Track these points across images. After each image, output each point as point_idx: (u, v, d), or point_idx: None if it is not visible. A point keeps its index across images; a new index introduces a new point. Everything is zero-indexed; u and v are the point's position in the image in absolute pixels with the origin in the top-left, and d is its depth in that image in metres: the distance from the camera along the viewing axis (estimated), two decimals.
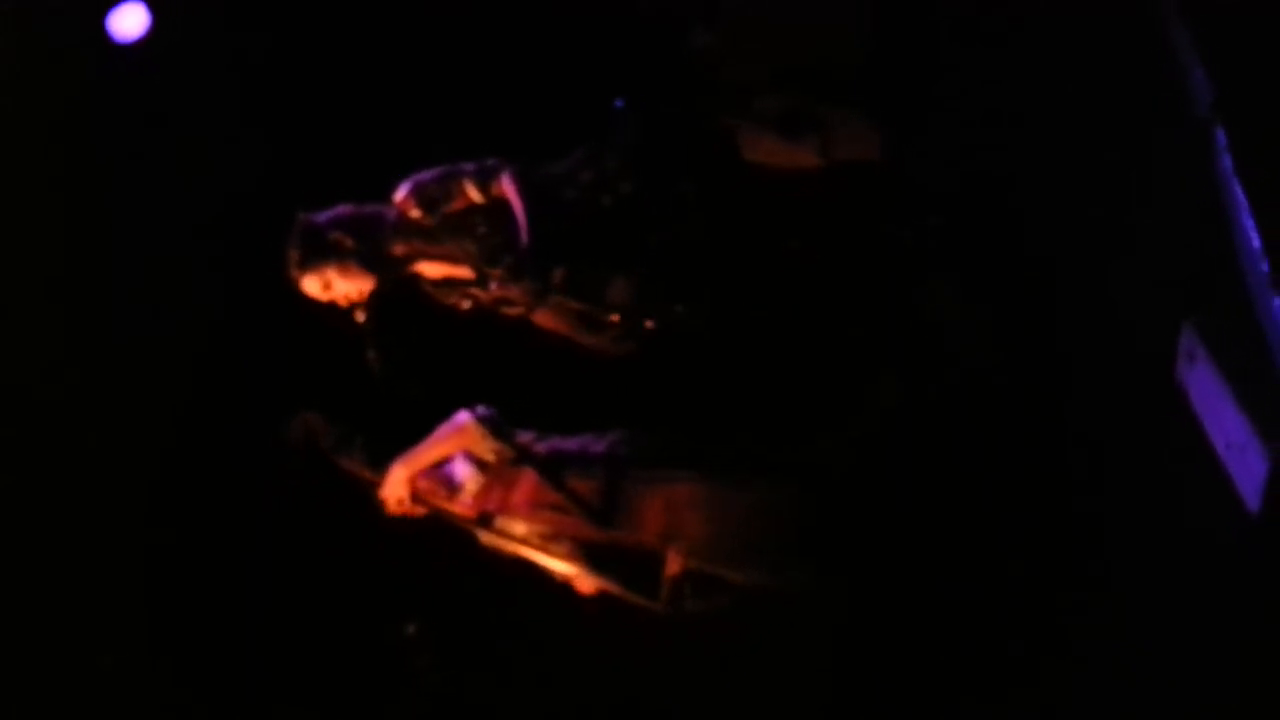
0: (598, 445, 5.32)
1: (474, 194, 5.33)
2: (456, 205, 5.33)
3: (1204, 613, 4.71)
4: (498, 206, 5.33)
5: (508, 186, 5.31)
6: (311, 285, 5.26)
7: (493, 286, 5.32)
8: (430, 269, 5.39)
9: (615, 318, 5.29)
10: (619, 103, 5.68)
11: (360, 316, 5.24)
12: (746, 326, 5.40)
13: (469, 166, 5.37)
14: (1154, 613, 4.84)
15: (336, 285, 5.25)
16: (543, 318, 5.41)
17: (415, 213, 5.32)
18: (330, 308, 5.30)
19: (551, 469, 5.25)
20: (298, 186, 5.61)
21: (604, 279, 5.33)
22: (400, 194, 5.36)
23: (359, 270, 5.26)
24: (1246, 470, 4.66)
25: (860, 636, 5.17)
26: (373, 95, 6.05)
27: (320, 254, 5.23)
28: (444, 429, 5.30)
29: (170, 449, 5.90)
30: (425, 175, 5.37)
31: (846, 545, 5.18)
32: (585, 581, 5.30)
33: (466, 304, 5.40)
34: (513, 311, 5.39)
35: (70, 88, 6.00)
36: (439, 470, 5.32)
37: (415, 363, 5.37)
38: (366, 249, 5.27)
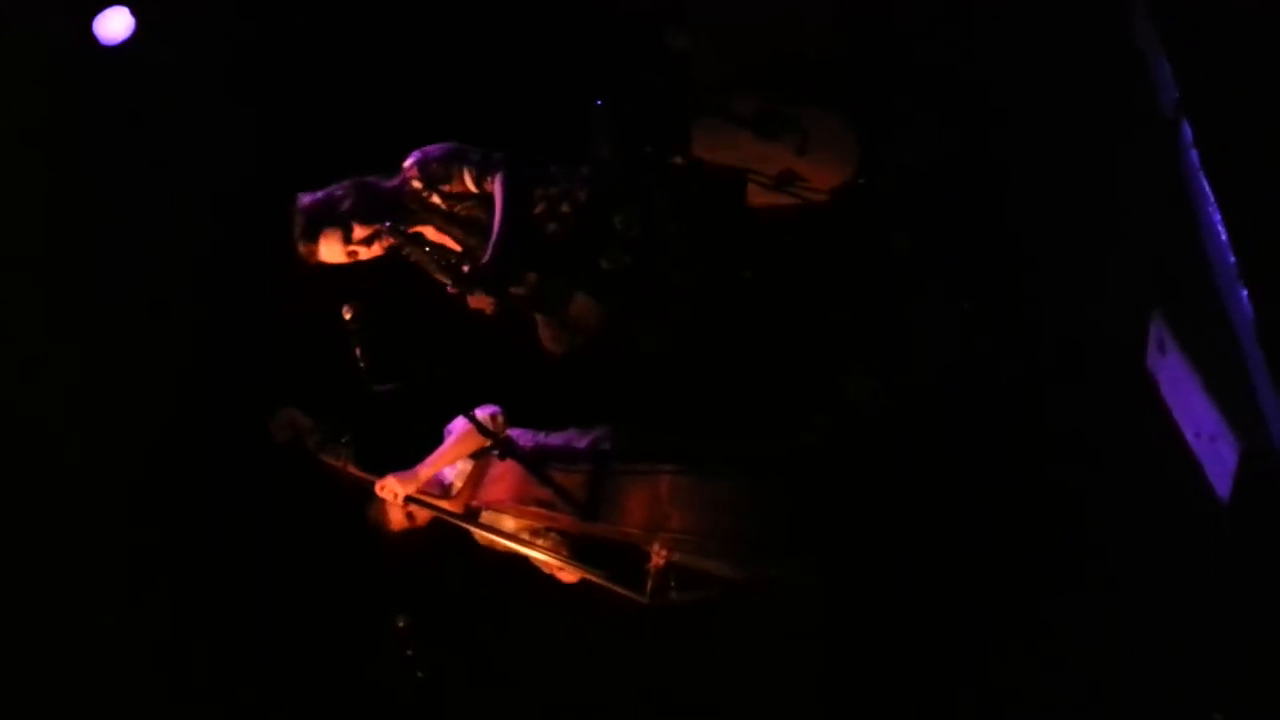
0: (582, 440, 5.41)
1: (470, 183, 5.35)
2: (454, 188, 5.36)
3: (1174, 601, 4.76)
4: (487, 202, 5.36)
5: (498, 190, 5.32)
6: (331, 248, 5.26)
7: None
8: (428, 231, 5.40)
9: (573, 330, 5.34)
10: (599, 101, 5.73)
11: (347, 315, 5.25)
12: (723, 334, 5.46)
13: (475, 154, 5.35)
14: (1124, 600, 4.90)
15: (358, 231, 5.24)
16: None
17: (417, 184, 5.35)
18: (323, 295, 5.31)
19: (537, 463, 5.33)
20: (283, 185, 5.63)
21: (569, 294, 5.39)
22: (408, 162, 5.37)
23: (373, 222, 5.25)
24: (1217, 459, 4.68)
25: (842, 629, 5.24)
26: (356, 93, 6.08)
27: (329, 218, 5.24)
28: (450, 440, 5.42)
29: (156, 445, 5.99)
30: (434, 150, 5.37)
31: (827, 539, 5.25)
32: (570, 574, 5.39)
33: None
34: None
35: (56, 89, 6.00)
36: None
37: (401, 361, 5.40)
38: (372, 203, 5.26)
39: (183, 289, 6.09)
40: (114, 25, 5.99)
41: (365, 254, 5.30)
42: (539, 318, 5.51)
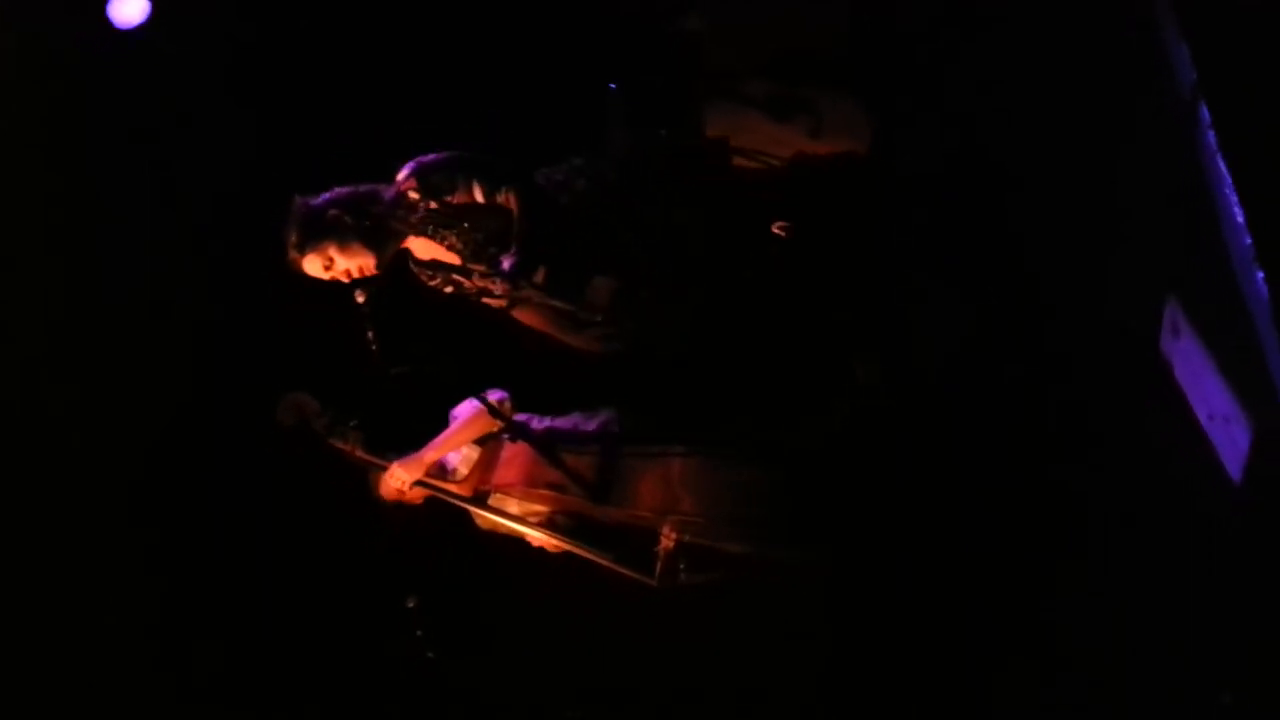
0: (590, 423, 5.41)
1: (479, 195, 5.30)
2: (458, 199, 5.30)
3: (1187, 584, 4.74)
4: (497, 210, 5.29)
5: (514, 202, 5.27)
6: (313, 266, 5.22)
7: (475, 278, 5.33)
8: (421, 248, 5.38)
9: (599, 318, 5.32)
10: (612, 85, 5.72)
11: (360, 298, 5.23)
12: (732, 320, 5.44)
13: (479, 163, 5.30)
14: (1137, 583, 4.88)
15: (338, 263, 5.19)
16: (524, 315, 5.40)
17: (414, 195, 5.30)
18: (325, 293, 5.30)
19: (546, 447, 5.33)
20: (293, 174, 5.63)
21: (585, 280, 5.32)
22: (403, 174, 5.31)
23: (359, 246, 5.19)
24: (1230, 442, 4.67)
25: (843, 629, 5.25)
26: (368, 82, 6.07)
27: (320, 233, 5.18)
28: (458, 424, 5.43)
29: (158, 447, 6.01)
30: (430, 160, 5.30)
31: (836, 522, 5.24)
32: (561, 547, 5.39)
33: (449, 289, 5.38)
34: (494, 303, 5.37)
35: (57, 90, 6.00)
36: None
37: (411, 345, 5.39)
38: (366, 225, 5.20)
39: (185, 290, 6.09)
40: (129, 9, 6.00)
41: (345, 280, 5.23)
42: (565, 325, 5.47)
